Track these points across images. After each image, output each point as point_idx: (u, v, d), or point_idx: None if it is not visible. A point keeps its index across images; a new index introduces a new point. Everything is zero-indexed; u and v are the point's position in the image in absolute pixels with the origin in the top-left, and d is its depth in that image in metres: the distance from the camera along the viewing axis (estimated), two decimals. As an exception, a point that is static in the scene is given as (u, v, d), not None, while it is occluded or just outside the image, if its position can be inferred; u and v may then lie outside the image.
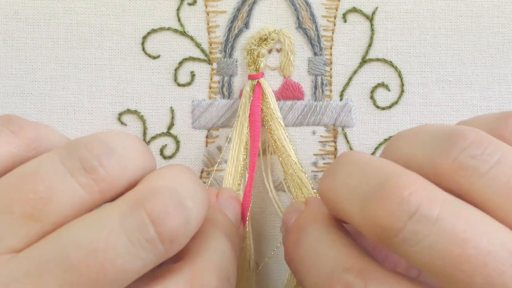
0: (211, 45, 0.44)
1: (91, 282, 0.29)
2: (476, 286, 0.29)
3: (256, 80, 0.44)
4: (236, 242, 0.37)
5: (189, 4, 0.44)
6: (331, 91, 0.45)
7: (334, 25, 0.44)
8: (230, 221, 0.39)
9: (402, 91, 0.45)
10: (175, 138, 0.45)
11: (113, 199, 0.31)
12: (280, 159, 0.43)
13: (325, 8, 0.44)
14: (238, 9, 0.44)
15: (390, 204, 0.29)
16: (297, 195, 0.43)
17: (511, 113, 0.33)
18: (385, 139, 0.45)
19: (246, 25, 0.44)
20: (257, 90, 0.44)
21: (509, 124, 0.32)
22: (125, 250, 0.29)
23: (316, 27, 0.44)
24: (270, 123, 0.43)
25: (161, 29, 0.44)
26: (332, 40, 0.45)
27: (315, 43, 0.44)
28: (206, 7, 0.44)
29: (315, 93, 0.45)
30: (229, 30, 0.44)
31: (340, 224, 0.35)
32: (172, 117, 0.45)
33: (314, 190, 0.42)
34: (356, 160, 0.33)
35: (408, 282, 0.31)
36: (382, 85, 0.45)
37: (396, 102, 0.45)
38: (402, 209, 0.29)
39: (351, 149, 0.45)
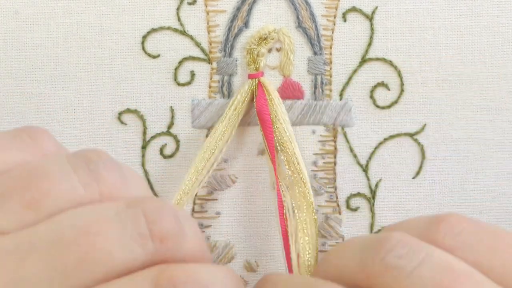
0: (211, 44, 0.45)
1: (77, 261, 0.29)
2: None
3: (257, 80, 0.44)
4: None
5: (189, 4, 0.44)
6: (331, 90, 0.45)
7: (334, 24, 0.45)
8: None
9: (402, 90, 0.45)
10: (175, 137, 0.45)
11: None
12: (282, 157, 0.43)
13: (325, 7, 0.44)
14: (238, 9, 0.44)
15: None
16: (291, 194, 0.43)
17: (442, 217, 0.34)
18: (384, 138, 0.45)
19: (246, 24, 0.44)
20: (260, 89, 0.44)
21: (440, 230, 0.33)
22: (116, 237, 0.30)
23: (316, 26, 0.44)
24: (275, 120, 0.43)
25: (161, 28, 0.44)
26: (332, 39, 0.45)
27: (315, 42, 0.44)
28: (206, 6, 0.44)
29: (315, 93, 0.45)
30: (229, 29, 0.44)
31: None
32: (172, 117, 0.45)
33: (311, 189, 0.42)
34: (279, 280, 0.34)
35: None
36: (382, 84, 0.45)
37: (396, 102, 0.45)
38: None
39: (351, 148, 0.45)
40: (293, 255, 0.41)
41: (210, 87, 0.45)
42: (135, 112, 0.44)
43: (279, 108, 0.43)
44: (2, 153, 0.33)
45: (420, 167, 0.45)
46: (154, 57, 0.44)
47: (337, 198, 0.45)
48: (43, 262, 0.29)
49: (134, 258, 0.30)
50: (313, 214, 0.42)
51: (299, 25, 0.44)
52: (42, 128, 0.35)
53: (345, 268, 0.33)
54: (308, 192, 0.42)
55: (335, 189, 0.45)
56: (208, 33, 0.44)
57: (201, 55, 0.45)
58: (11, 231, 0.30)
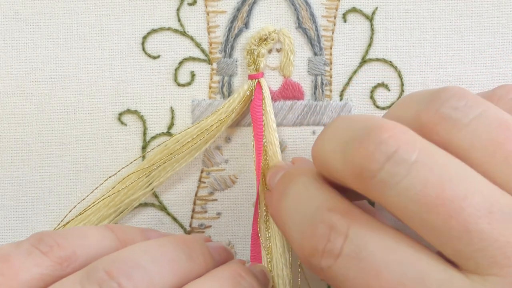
0: (211, 45, 0.45)
1: None
2: (452, 231, 0.29)
3: (256, 80, 0.44)
4: None
5: (189, 4, 0.44)
6: (331, 91, 0.45)
7: (334, 25, 0.45)
8: None
9: (402, 91, 0.45)
10: (175, 138, 0.45)
11: None
12: (264, 162, 0.43)
13: (325, 8, 0.44)
14: (238, 9, 0.44)
15: (369, 145, 0.30)
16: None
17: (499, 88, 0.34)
18: (385, 139, 0.45)
19: (246, 25, 0.44)
20: (258, 89, 0.44)
21: (496, 93, 0.34)
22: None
23: (316, 27, 0.44)
24: (264, 124, 0.43)
25: (161, 29, 0.44)
26: (332, 40, 0.45)
27: (315, 43, 0.45)
28: (206, 7, 0.44)
29: (315, 93, 0.45)
30: (229, 30, 0.44)
31: (327, 179, 0.35)
32: (172, 117, 0.45)
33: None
34: (344, 118, 0.33)
35: (390, 229, 0.31)
36: (382, 85, 0.45)
37: (396, 102, 0.45)
38: (381, 150, 0.30)
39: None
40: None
41: (210, 87, 0.45)
42: (135, 112, 0.44)
43: (269, 115, 0.43)
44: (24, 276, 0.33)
45: (420, 168, 0.45)
46: (154, 57, 0.44)
47: (337, 198, 0.45)
48: None
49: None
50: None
51: (299, 25, 0.44)
52: (48, 233, 0.35)
53: (402, 119, 0.32)
54: None
55: (335, 190, 0.45)
56: (208, 33, 0.45)
57: (201, 56, 0.45)
58: None
